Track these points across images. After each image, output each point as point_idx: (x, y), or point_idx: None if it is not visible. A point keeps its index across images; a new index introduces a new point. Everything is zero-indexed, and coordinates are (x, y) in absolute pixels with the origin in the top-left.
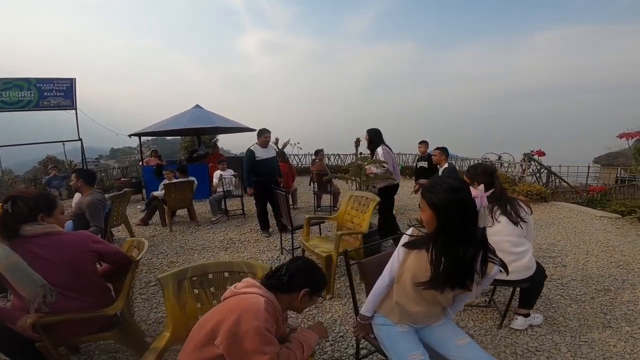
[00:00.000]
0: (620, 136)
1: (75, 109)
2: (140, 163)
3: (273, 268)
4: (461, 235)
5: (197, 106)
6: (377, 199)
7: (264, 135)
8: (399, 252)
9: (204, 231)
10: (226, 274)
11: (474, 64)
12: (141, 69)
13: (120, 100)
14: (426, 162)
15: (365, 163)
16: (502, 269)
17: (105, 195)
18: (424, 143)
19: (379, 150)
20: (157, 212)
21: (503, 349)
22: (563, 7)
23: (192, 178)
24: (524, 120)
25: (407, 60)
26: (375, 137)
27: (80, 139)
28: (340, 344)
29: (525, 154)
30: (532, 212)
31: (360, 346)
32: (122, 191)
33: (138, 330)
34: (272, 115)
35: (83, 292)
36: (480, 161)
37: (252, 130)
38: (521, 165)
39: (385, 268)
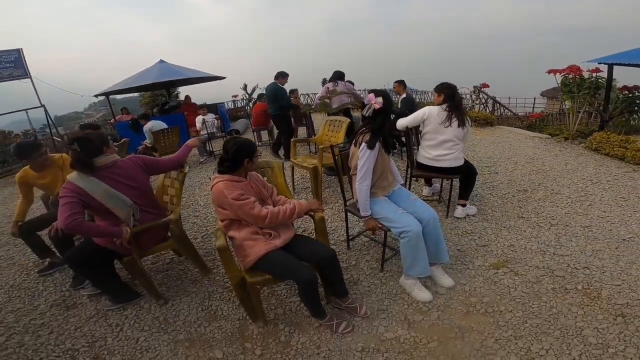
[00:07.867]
0: (549, 72)
1: (30, 77)
2: (112, 120)
3: (283, 164)
4: None
5: (161, 61)
6: (348, 120)
7: (286, 77)
8: (369, 158)
9: (195, 171)
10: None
11: (435, 8)
12: (68, 31)
13: (47, 68)
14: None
15: (332, 95)
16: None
17: None
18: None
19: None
20: None
21: (449, 231)
22: None
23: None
24: (486, 60)
25: (367, 3)
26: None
27: (43, 106)
28: (333, 235)
29: (475, 87)
30: (471, 124)
31: (350, 233)
32: (122, 141)
33: (188, 239)
34: (231, 65)
35: (151, 205)
36: None
37: (222, 78)
38: (470, 96)
39: (362, 175)
